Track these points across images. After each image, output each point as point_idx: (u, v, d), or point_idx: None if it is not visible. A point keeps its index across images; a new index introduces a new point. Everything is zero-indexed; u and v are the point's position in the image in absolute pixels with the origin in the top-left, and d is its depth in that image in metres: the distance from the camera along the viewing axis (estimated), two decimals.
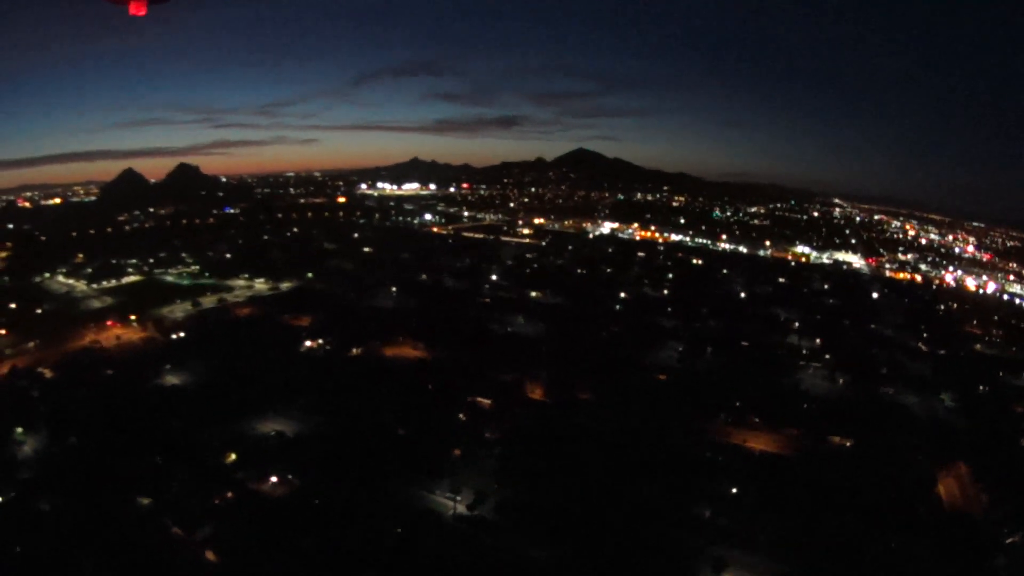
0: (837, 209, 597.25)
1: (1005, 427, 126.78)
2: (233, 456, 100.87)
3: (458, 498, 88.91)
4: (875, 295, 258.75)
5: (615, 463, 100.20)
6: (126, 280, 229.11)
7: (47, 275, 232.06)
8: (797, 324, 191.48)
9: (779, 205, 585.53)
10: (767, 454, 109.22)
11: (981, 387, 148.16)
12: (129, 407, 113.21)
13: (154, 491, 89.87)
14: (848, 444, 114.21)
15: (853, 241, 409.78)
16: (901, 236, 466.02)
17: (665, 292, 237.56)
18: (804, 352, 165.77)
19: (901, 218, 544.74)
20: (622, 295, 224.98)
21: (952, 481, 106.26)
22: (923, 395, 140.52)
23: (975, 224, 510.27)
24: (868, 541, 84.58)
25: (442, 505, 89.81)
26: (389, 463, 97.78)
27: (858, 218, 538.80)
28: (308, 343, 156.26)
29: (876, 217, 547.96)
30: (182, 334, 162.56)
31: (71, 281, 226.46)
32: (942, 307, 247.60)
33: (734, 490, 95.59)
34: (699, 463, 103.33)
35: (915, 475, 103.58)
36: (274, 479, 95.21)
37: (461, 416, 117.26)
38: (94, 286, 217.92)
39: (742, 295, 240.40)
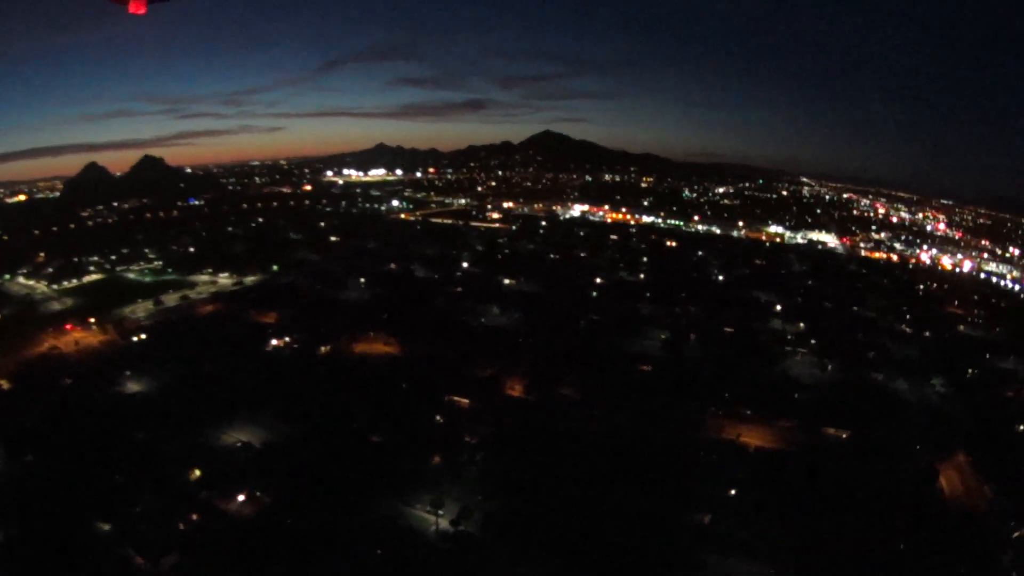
0: (805, 188, 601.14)
1: (999, 413, 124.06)
2: (198, 472, 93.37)
3: (440, 512, 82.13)
4: (854, 276, 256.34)
5: (605, 466, 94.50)
6: (87, 279, 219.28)
7: (7, 276, 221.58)
8: (779, 307, 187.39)
9: (747, 184, 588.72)
10: (763, 450, 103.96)
11: (970, 370, 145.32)
12: (88, 419, 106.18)
13: (115, 514, 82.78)
14: (844, 436, 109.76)
15: (826, 220, 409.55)
16: (871, 215, 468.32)
17: (642, 276, 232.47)
18: (789, 337, 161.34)
19: (870, 196, 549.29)
20: (598, 280, 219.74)
21: (953, 473, 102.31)
22: (913, 380, 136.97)
23: (943, 202, 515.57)
24: (875, 545, 79.81)
25: (423, 520, 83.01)
26: (364, 474, 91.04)
27: (827, 197, 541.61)
28: (274, 341, 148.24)
29: (845, 196, 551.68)
30: (143, 336, 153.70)
31: (31, 282, 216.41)
32: (921, 287, 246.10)
33: (732, 492, 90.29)
34: (694, 462, 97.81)
35: (916, 468, 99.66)
36: (242, 497, 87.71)
37: (438, 418, 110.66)
38: (54, 287, 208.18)
39: (720, 278, 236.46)
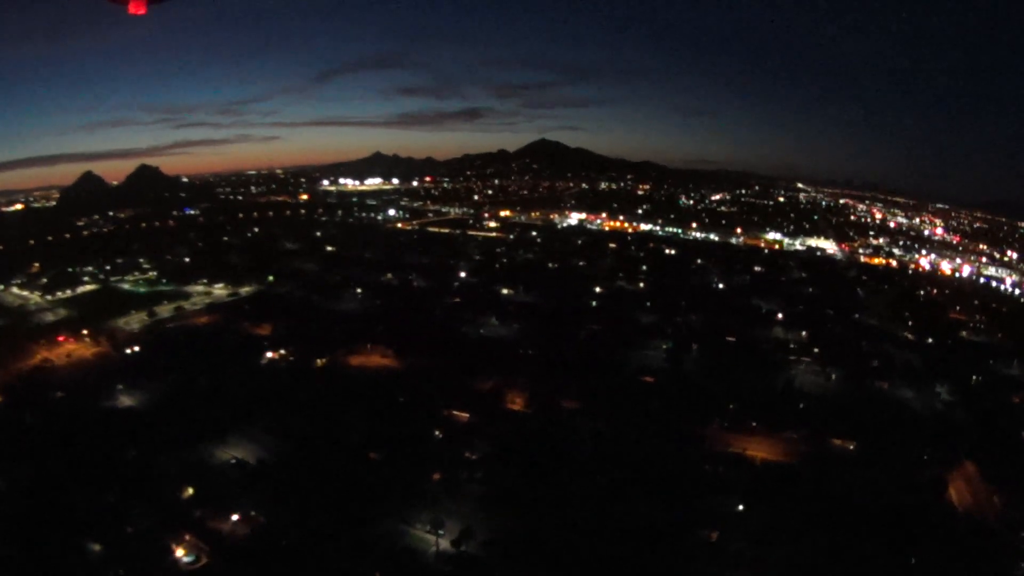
0: (802, 194, 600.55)
1: (1006, 421, 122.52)
2: (191, 490, 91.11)
3: (441, 532, 79.95)
4: (854, 282, 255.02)
5: (610, 481, 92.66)
6: (81, 290, 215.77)
7: (1, 287, 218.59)
8: (780, 316, 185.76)
9: (744, 191, 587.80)
10: (770, 463, 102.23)
11: (975, 378, 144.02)
12: (80, 434, 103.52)
13: (106, 534, 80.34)
14: (851, 447, 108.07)
15: (823, 226, 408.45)
16: (868, 220, 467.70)
17: (641, 285, 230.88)
18: (792, 346, 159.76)
19: (866, 201, 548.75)
20: (597, 290, 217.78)
21: (962, 483, 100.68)
22: (918, 389, 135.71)
23: (940, 206, 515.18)
24: (886, 557, 77.91)
25: (423, 541, 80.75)
26: (361, 492, 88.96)
27: (824, 202, 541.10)
28: (269, 354, 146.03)
29: (842, 201, 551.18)
30: (136, 348, 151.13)
31: (25, 293, 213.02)
32: (922, 293, 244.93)
33: (740, 507, 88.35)
34: (700, 477, 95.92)
35: (925, 479, 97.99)
36: (236, 516, 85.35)
37: (437, 433, 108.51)
38: (48, 297, 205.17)
39: (720, 286, 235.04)
